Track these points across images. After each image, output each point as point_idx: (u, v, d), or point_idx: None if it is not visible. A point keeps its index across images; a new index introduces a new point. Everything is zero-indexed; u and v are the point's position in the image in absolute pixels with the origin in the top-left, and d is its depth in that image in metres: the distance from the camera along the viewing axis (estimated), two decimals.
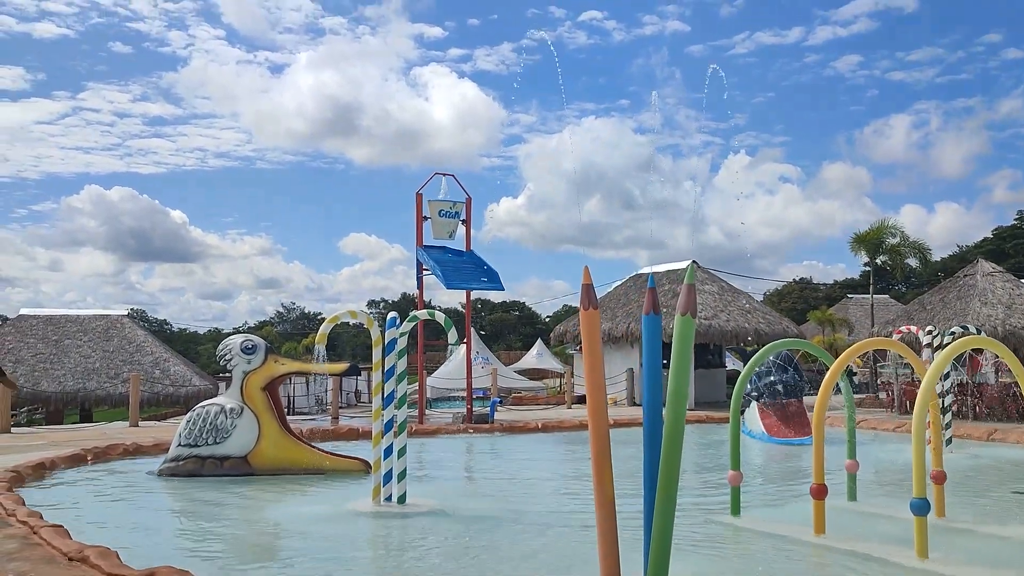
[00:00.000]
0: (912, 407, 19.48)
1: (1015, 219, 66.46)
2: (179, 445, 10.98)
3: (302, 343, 53.05)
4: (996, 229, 67.90)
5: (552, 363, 40.19)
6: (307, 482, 10.64)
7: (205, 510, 9.09)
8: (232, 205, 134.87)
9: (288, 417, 12.24)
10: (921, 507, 6.51)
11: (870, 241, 25.53)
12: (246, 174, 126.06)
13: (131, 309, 44.59)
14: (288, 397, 26.39)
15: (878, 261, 26.63)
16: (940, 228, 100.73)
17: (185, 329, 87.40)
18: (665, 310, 24.06)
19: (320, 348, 9.12)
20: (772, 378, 15.73)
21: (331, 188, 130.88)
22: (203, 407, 11.21)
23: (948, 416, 13.47)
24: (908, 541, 6.94)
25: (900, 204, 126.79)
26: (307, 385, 27.88)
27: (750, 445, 14.87)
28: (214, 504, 9.35)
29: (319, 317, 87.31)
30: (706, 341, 22.30)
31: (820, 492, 7.39)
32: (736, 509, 8.15)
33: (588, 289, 5.89)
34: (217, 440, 10.86)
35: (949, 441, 13.29)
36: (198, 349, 70.95)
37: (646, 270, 27.18)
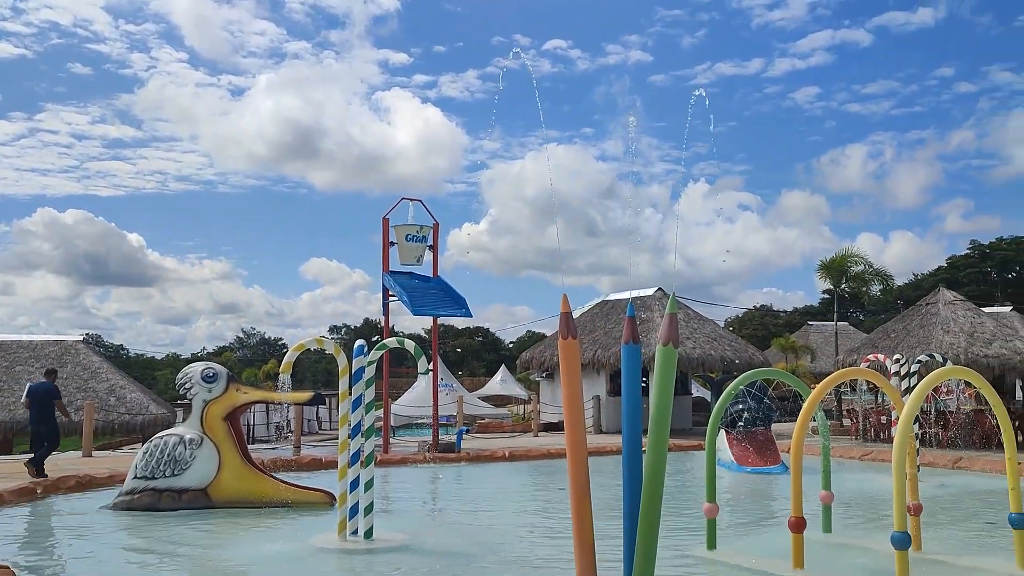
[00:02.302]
0: (876, 435, 19.60)
1: (968, 248, 67.85)
2: (135, 477, 10.56)
3: (262, 369, 52.16)
4: (950, 258, 69.25)
5: (516, 389, 39.88)
6: (270, 516, 10.28)
7: (161, 547, 8.69)
8: (192, 229, 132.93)
9: (248, 446, 11.86)
10: (902, 541, 6.39)
11: (835, 268, 25.85)
12: (207, 198, 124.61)
13: (86, 334, 43.50)
14: (247, 425, 25.82)
15: (842, 288, 26.97)
16: (895, 257, 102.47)
17: (142, 354, 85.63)
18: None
19: (285, 378, 8.83)
20: (741, 406, 15.66)
21: (292, 212, 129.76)
22: (161, 437, 10.81)
23: (915, 443, 13.46)
24: (885, 573, 6.84)
25: (857, 232, 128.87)
26: (267, 413, 27.30)
27: (720, 474, 14.71)
28: (171, 541, 8.95)
29: (280, 343, 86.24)
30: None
31: (798, 525, 7.25)
32: (712, 543, 7.98)
33: (567, 318, 5.73)
34: (175, 472, 10.46)
35: (917, 469, 13.26)
36: (155, 375, 69.44)
37: (612, 296, 27.16)
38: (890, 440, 18.19)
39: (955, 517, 10.52)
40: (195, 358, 65.07)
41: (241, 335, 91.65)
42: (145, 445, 11.00)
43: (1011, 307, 30.34)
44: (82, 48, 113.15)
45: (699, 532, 8.59)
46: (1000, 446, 17.68)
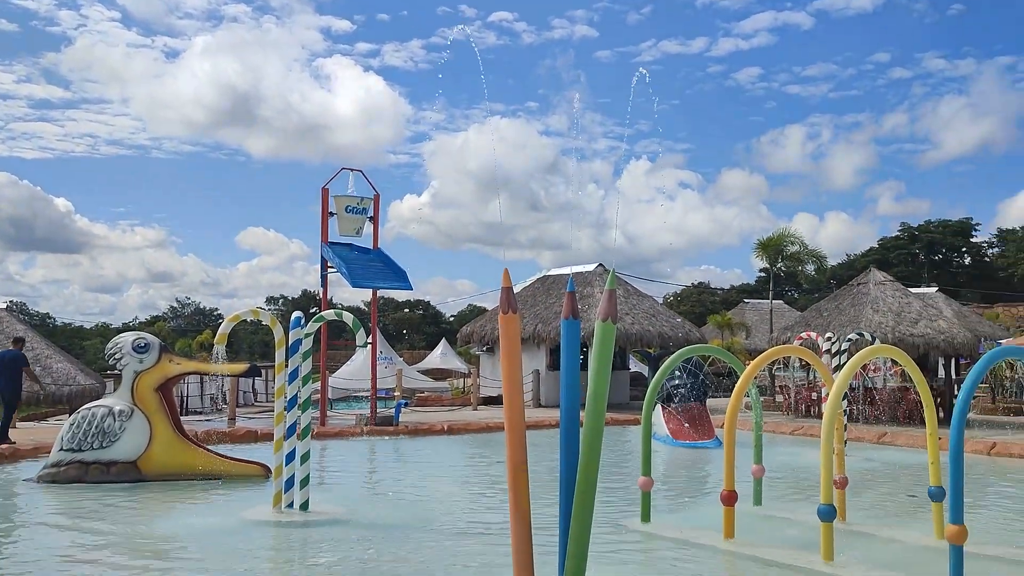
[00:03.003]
0: (807, 411, 20.11)
1: (899, 230, 69.83)
2: (61, 449, 10.28)
3: (196, 339, 51.14)
4: (881, 239, 71.21)
5: (456, 363, 39.86)
6: (203, 489, 10.12)
7: (87, 522, 8.48)
8: (124, 195, 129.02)
9: (181, 418, 11.63)
10: (828, 513, 6.59)
11: (772, 247, 26.37)
12: (139, 163, 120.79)
13: (10, 301, 42.12)
14: (180, 397, 25.33)
15: (778, 268, 27.54)
16: (830, 237, 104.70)
17: (70, 323, 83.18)
18: None
19: (220, 349, 8.66)
20: (677, 382, 15.91)
21: (229, 180, 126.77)
22: (88, 409, 10.53)
23: (843, 419, 13.85)
24: (812, 545, 7.03)
25: (794, 212, 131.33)
26: (201, 384, 26.80)
27: (655, 448, 14.94)
28: (98, 515, 8.75)
29: (215, 313, 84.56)
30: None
31: (730, 498, 7.42)
32: (646, 515, 8.11)
33: (508, 293, 5.70)
34: (104, 444, 10.21)
35: (844, 444, 13.66)
36: (84, 344, 67.55)
37: (554, 272, 27.25)
38: (820, 416, 18.68)
39: (879, 489, 10.88)
40: (126, 328, 63.47)
41: (175, 305, 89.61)
42: (72, 416, 10.71)
43: (936, 288, 31.37)
44: (7, 3, 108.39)
45: (634, 505, 8.72)
46: (922, 421, 18.35)
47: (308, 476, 8.56)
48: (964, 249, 68.15)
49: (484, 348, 27.55)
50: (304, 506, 8.47)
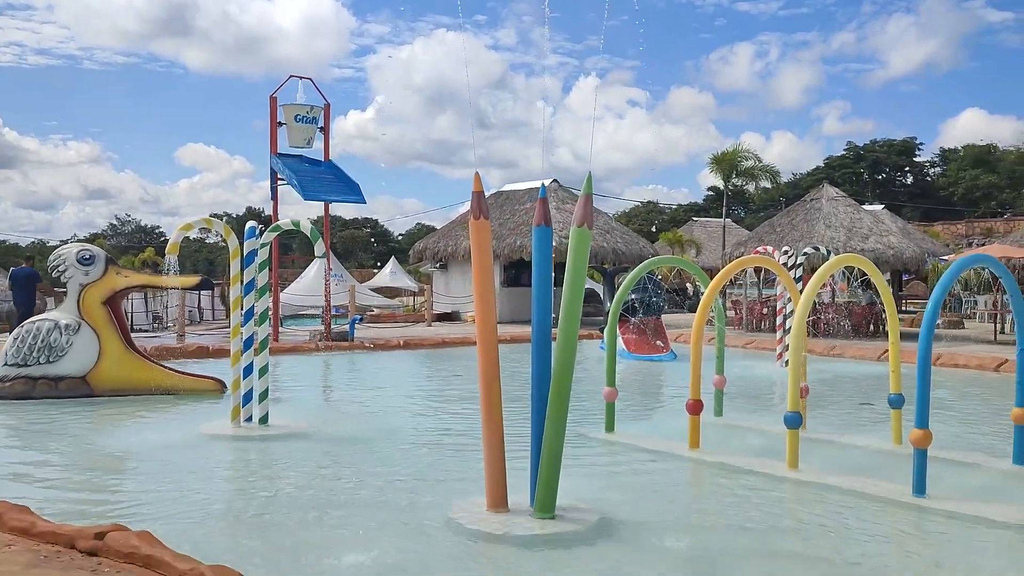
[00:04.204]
0: (758, 324, 20.44)
1: (845, 149, 70.62)
2: (6, 364, 9.90)
3: (139, 257, 49.88)
4: (827, 158, 72.07)
5: (406, 281, 39.57)
6: (156, 404, 9.88)
7: (36, 438, 8.22)
8: (55, 107, 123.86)
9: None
10: (794, 420, 6.64)
11: (726, 162, 26.37)
12: (70, 74, 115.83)
13: None
14: (125, 313, 24.70)
15: (731, 184, 27.63)
16: (776, 156, 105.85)
17: (3, 240, 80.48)
18: (526, 228, 23.99)
19: (172, 258, 8.30)
20: (632, 296, 15.93)
21: (166, 94, 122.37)
22: (33, 323, 10.12)
23: None
24: (776, 453, 7.12)
25: (741, 131, 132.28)
26: (145, 300, 26.17)
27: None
28: (47, 430, 8.48)
29: (157, 231, 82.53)
30: (565, 260, 22.44)
31: (696, 408, 7.44)
32: (611, 425, 8.13)
33: (479, 197, 5.49)
34: (51, 359, 9.86)
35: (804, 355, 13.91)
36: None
37: (507, 187, 26.94)
38: (771, 330, 19.02)
39: (833, 400, 11.09)
40: (64, 244, 61.57)
41: (115, 222, 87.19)
42: (16, 331, 10.30)
43: (883, 206, 31.84)
44: None
45: (592, 417, 8.75)
46: (867, 336, 18.78)
47: (267, 390, 8.38)
48: (907, 168, 69.35)
49: (437, 265, 27.33)
50: (264, 420, 8.31)
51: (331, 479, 6.65)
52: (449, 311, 25.97)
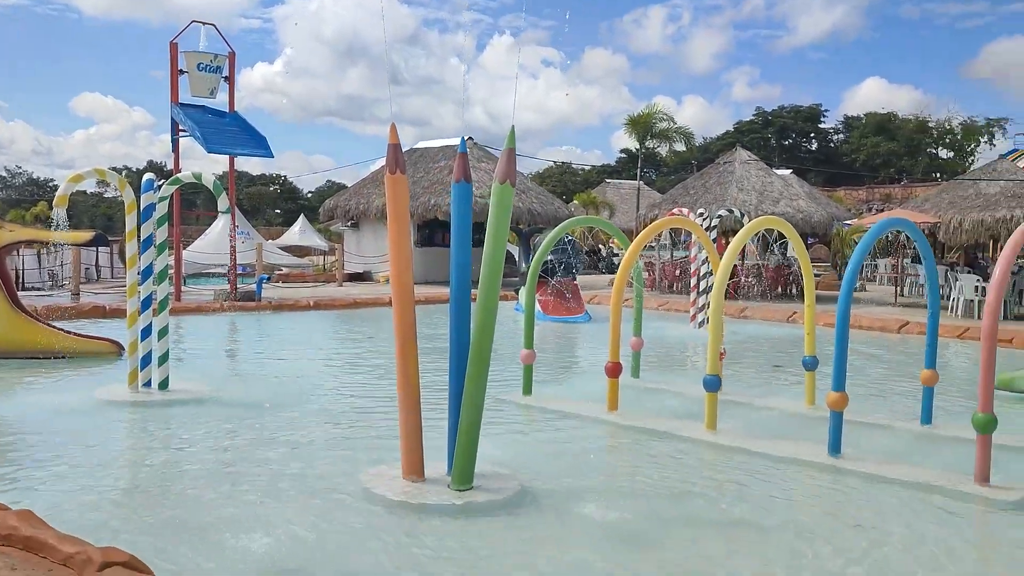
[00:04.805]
0: (671, 287, 20.65)
1: (753, 115, 72.01)
2: None
3: (31, 211, 47.28)
4: (737, 123, 73.32)
5: (316, 240, 38.57)
6: (46, 367, 9.25)
7: None
8: None
9: (18, 293, 10.52)
10: (713, 383, 6.61)
11: (642, 124, 26.42)
12: None
13: None
14: (14, 271, 23.32)
15: (646, 146, 27.74)
16: (687, 120, 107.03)
17: None
18: (441, 187, 23.59)
19: (60, 212, 7.69)
20: (548, 257, 15.81)
21: (59, 40, 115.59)
22: None
23: (707, 296, 14.19)
24: (693, 415, 7.12)
25: (653, 94, 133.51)
26: (39, 258, 24.77)
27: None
28: None
29: (50, 184, 78.25)
30: (481, 220, 22.19)
31: (615, 370, 7.35)
32: (528, 389, 7.99)
33: (395, 150, 5.17)
34: None
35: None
36: None
37: (421, 144, 26.39)
38: (684, 292, 19.22)
39: (746, 362, 11.21)
40: None
41: (4, 174, 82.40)
42: None
43: (791, 170, 32.51)
44: None
45: (508, 380, 8.60)
46: (775, 298, 19.18)
47: (167, 353, 7.91)
48: (813, 135, 71.24)
49: (348, 224, 26.66)
50: (163, 384, 7.86)
51: (236, 448, 6.30)
52: (361, 271, 25.42)
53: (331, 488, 5.20)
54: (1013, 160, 31.41)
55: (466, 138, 24.82)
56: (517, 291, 16.91)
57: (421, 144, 26.53)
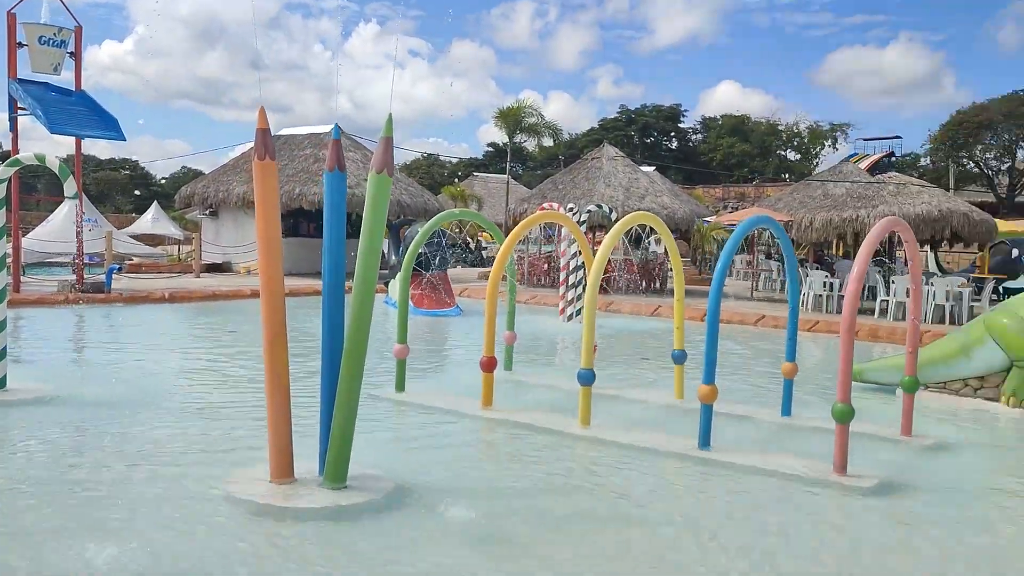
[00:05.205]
0: (539, 280, 20.82)
1: (617, 112, 73.86)
2: None
3: None
4: (601, 120, 75.03)
5: (171, 229, 36.73)
6: None
7: None
8: None
9: None
10: (588, 377, 6.63)
11: (511, 117, 26.49)
12: None
13: None
14: None
15: (514, 140, 27.86)
16: (553, 115, 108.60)
17: None
18: (306, 175, 22.89)
19: None
20: (422, 250, 15.58)
21: None
22: None
23: (577, 290, 14.37)
24: (567, 409, 7.13)
25: (519, 89, 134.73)
26: None
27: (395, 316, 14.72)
28: None
29: None
30: (349, 210, 21.70)
31: (490, 365, 7.27)
32: (401, 384, 7.80)
33: (265, 135, 4.88)
34: None
35: (579, 312, 14.24)
36: None
37: (285, 131, 25.53)
38: (552, 285, 19.43)
39: (616, 355, 11.39)
40: None
41: None
42: None
43: (653, 168, 33.48)
44: None
45: (380, 376, 8.40)
46: (641, 292, 19.67)
47: (4, 348, 7.25)
48: (673, 134, 73.78)
49: (207, 212, 25.49)
50: (0, 383, 7.20)
51: (84, 452, 5.83)
52: (220, 261, 24.38)
53: (191, 493, 4.88)
54: (855, 162, 33.48)
55: (331, 127, 24.24)
56: (387, 284, 16.61)
57: (285, 131, 25.67)
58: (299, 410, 5.29)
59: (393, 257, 17.01)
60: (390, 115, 4.88)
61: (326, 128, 24.03)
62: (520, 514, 4.88)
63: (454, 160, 78.28)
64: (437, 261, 15.32)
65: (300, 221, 24.40)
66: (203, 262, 22.86)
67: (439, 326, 13.93)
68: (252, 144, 4.95)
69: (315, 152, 23.47)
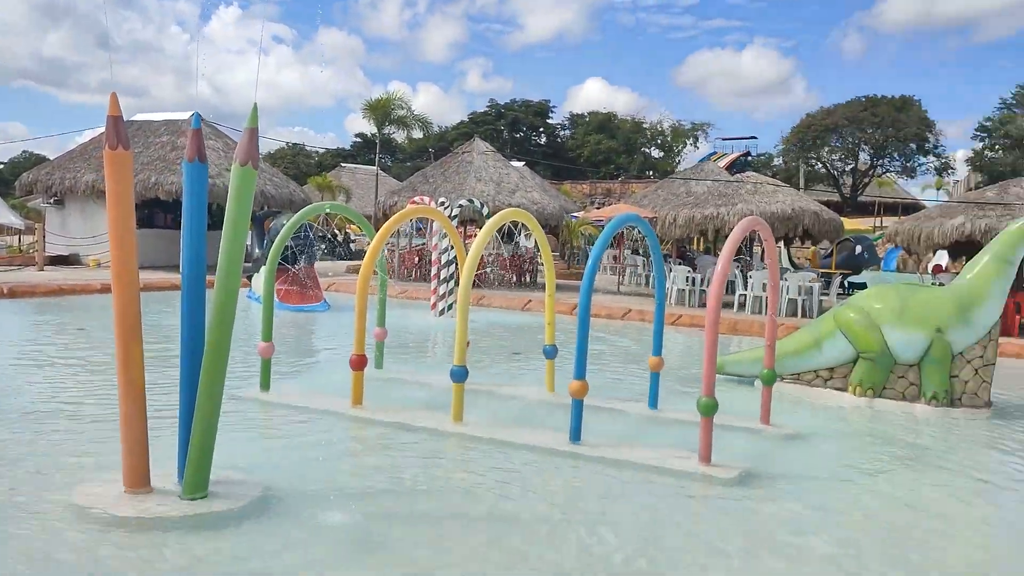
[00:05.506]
0: (410, 274, 20.62)
1: (487, 106, 74.20)
2: None
3: None
4: (471, 114, 75.21)
5: (10, 218, 34.21)
6: None
7: None
8: None
9: None
10: (461, 374, 6.57)
11: (380, 110, 26.07)
12: None
13: None
14: None
15: (383, 132, 27.43)
16: (422, 108, 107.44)
17: None
18: (163, 164, 21.81)
19: None
20: (289, 243, 15.12)
21: None
22: None
23: (449, 284, 14.30)
24: (439, 406, 7.07)
25: (388, 79, 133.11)
26: None
27: (259, 312, 14.22)
28: None
29: None
30: (211, 201, 20.80)
31: (360, 363, 7.10)
32: (266, 384, 7.52)
33: (117, 123, 4.55)
34: None
35: (451, 307, 14.18)
36: None
37: (139, 117, 24.24)
38: (423, 279, 19.28)
39: (487, 350, 11.39)
40: None
41: None
42: None
43: (523, 163, 33.82)
44: None
45: (243, 376, 8.09)
46: (512, 286, 19.80)
47: None
48: (542, 129, 74.75)
49: (51, 200, 23.91)
50: None
51: None
52: (66, 254, 22.92)
53: (35, 505, 4.52)
54: (715, 161, 34.84)
55: (190, 114, 23.18)
56: (250, 278, 16.03)
57: (140, 116, 24.38)
58: (156, 413, 5.00)
59: (257, 250, 16.44)
60: (255, 105, 4.66)
61: (184, 115, 22.98)
62: (393, 516, 4.77)
63: (321, 150, 76.61)
64: (304, 255, 14.90)
65: (156, 212, 23.27)
66: (47, 254, 21.43)
67: (306, 322, 13.56)
68: (103, 129, 4.62)
69: (172, 139, 22.43)
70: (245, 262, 15.75)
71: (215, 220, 21.95)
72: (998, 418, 8.12)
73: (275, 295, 14.68)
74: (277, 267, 12.86)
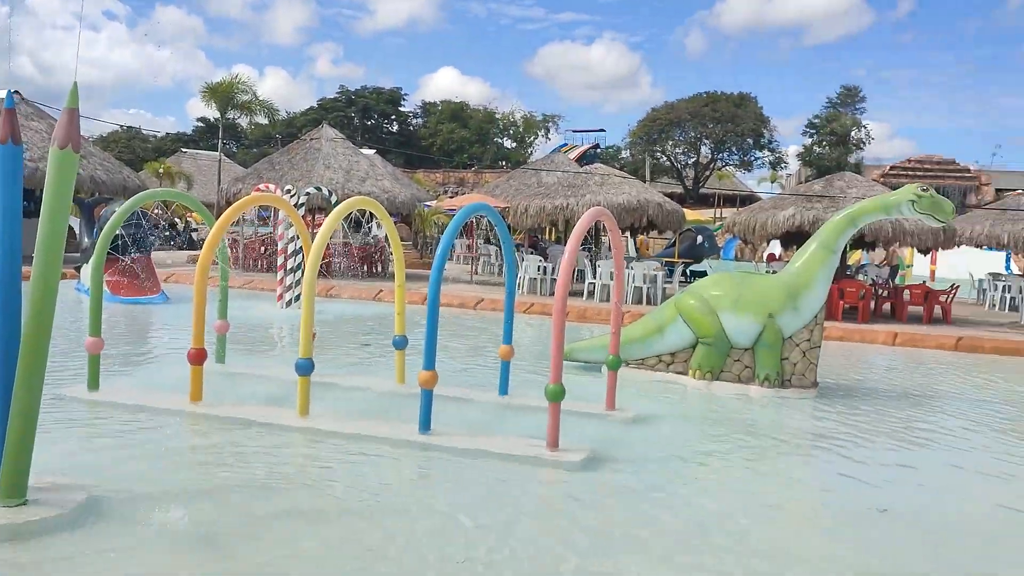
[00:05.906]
0: (255, 264, 19.93)
1: (337, 92, 72.64)
2: None
3: None
4: (321, 100, 73.40)
5: None
6: None
7: None
8: None
9: None
10: (306, 367, 6.40)
11: (222, 94, 24.94)
12: None
13: None
14: None
15: (227, 117, 26.29)
16: (269, 92, 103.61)
17: None
18: None
19: None
20: (117, 231, 14.24)
21: None
22: None
23: (296, 275, 13.90)
24: (284, 400, 6.89)
25: (232, 62, 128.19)
26: None
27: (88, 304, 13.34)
28: None
29: None
30: (32, 187, 19.32)
31: (199, 357, 6.78)
32: (95, 382, 7.05)
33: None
34: None
35: (298, 297, 13.79)
36: None
37: None
38: (267, 270, 18.68)
39: (333, 341, 11.14)
40: None
41: None
42: None
43: (374, 151, 33.33)
44: None
45: (69, 374, 7.59)
46: (361, 276, 19.50)
47: None
48: (394, 117, 73.92)
49: None
50: None
51: None
52: None
53: None
54: (565, 152, 35.52)
55: (12, 92, 21.44)
56: (79, 269, 15.02)
57: None
58: None
59: (86, 240, 15.43)
60: (75, 84, 4.33)
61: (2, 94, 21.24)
62: (235, 516, 4.58)
63: (159, 134, 72.79)
64: (137, 244, 14.09)
65: None
66: None
67: (141, 315, 12.83)
68: None
69: None
70: (73, 252, 14.79)
71: (38, 207, 20.35)
72: (823, 397, 8.69)
73: (105, 287, 13.88)
74: (107, 257, 12.10)
